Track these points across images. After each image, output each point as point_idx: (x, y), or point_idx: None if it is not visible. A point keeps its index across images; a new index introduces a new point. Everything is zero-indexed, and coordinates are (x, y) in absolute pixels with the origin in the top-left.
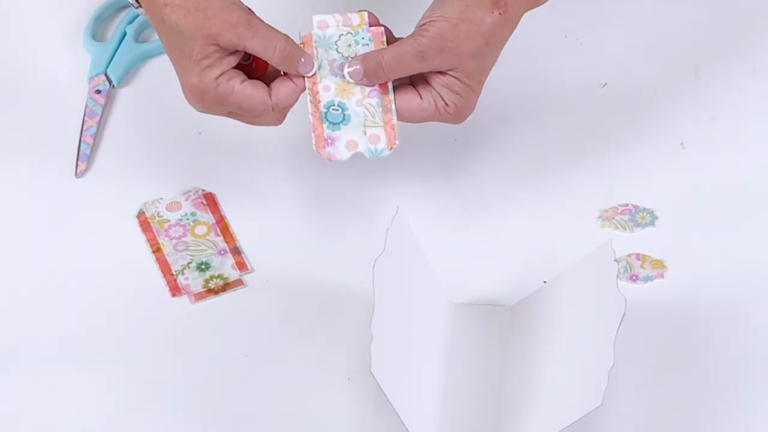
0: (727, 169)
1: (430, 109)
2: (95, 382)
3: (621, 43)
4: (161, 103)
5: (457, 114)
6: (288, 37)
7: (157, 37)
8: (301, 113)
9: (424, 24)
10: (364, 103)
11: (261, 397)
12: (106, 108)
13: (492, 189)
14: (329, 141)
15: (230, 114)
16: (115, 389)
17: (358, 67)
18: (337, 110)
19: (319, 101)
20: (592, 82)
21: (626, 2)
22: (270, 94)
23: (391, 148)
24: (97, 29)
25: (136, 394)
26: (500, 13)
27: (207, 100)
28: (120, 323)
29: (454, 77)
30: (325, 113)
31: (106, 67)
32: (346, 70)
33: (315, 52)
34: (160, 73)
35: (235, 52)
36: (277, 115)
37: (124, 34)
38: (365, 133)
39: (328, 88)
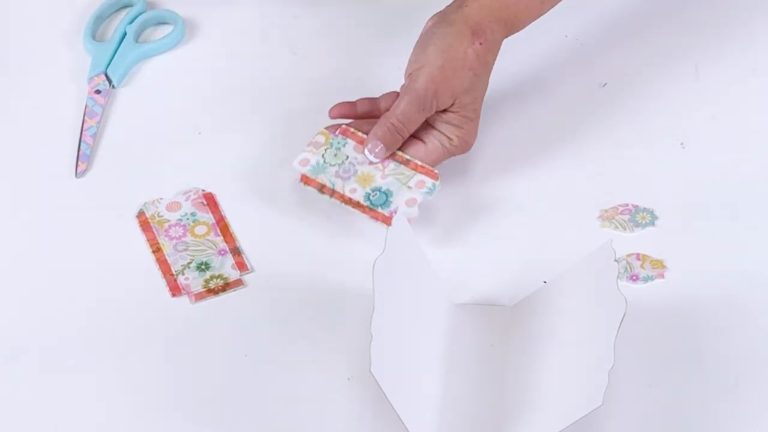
0: (727, 169)
1: (437, 150)
2: (95, 382)
3: (621, 43)
4: (161, 103)
5: (462, 145)
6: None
7: (157, 37)
8: (301, 113)
9: (411, 73)
10: (386, 173)
11: (261, 397)
12: (106, 108)
13: (492, 189)
14: (393, 214)
15: None
16: (115, 389)
17: (378, 144)
18: (375, 194)
19: (357, 201)
20: (592, 82)
21: (626, 2)
22: None
23: (438, 179)
24: (97, 29)
25: (136, 394)
26: (481, 44)
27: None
28: (120, 323)
29: (452, 113)
30: (371, 203)
31: (106, 67)
32: (368, 154)
33: (320, 181)
34: (160, 73)
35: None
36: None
37: (124, 34)
38: (410, 187)
39: (354, 190)
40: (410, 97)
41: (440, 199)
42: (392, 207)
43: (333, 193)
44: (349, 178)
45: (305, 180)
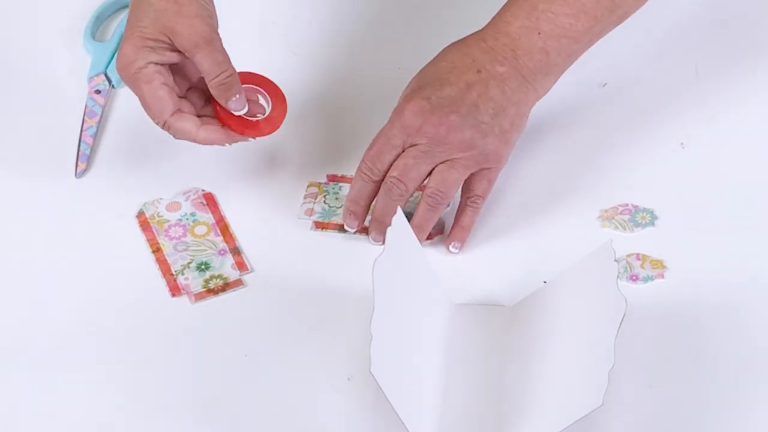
0: (727, 169)
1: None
2: (95, 382)
3: (621, 43)
4: None
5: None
6: (235, 71)
7: None
8: (301, 114)
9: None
10: None
11: (261, 397)
12: (106, 108)
13: (492, 189)
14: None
15: (138, 98)
16: (114, 389)
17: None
18: None
19: None
20: (592, 82)
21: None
22: (171, 114)
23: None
24: (97, 29)
25: (136, 393)
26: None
27: (128, 73)
28: (120, 323)
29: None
30: None
31: (106, 67)
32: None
33: (336, 222)
34: None
35: (179, 53)
36: (162, 128)
37: None
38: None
39: None
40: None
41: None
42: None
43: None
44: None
45: (320, 225)
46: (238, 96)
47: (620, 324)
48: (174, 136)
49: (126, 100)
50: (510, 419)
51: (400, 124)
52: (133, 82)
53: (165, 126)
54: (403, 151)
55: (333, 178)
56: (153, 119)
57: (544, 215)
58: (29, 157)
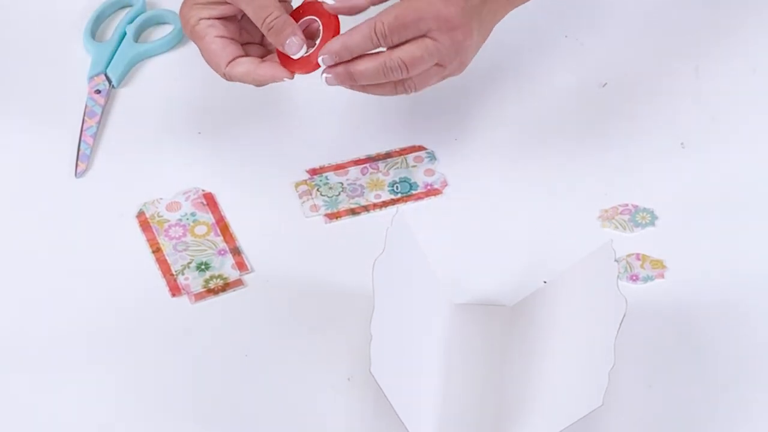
0: (727, 169)
1: (360, 28)
2: (95, 382)
3: (621, 43)
4: (161, 103)
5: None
6: (285, 14)
7: (157, 37)
8: (301, 113)
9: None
10: (387, 171)
11: (261, 397)
12: (106, 108)
13: (492, 189)
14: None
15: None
16: (114, 389)
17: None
18: (398, 186)
19: (392, 199)
20: (592, 82)
21: (626, 2)
22: (227, 64)
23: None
24: (97, 29)
25: (136, 394)
26: None
27: (187, 32)
28: (120, 323)
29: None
30: (402, 193)
31: (106, 67)
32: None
33: (345, 208)
34: (160, 73)
35: (230, 6)
36: (227, 80)
37: (124, 34)
38: (415, 166)
39: (378, 195)
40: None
41: (440, 198)
42: (420, 185)
43: (366, 208)
44: (362, 193)
45: (332, 216)
46: (294, 38)
47: (620, 324)
48: (242, 82)
49: (126, 100)
50: (510, 419)
51: (437, 13)
52: (192, 40)
53: (226, 78)
54: (422, 37)
55: (314, 172)
56: (216, 73)
57: (544, 215)
58: (29, 157)
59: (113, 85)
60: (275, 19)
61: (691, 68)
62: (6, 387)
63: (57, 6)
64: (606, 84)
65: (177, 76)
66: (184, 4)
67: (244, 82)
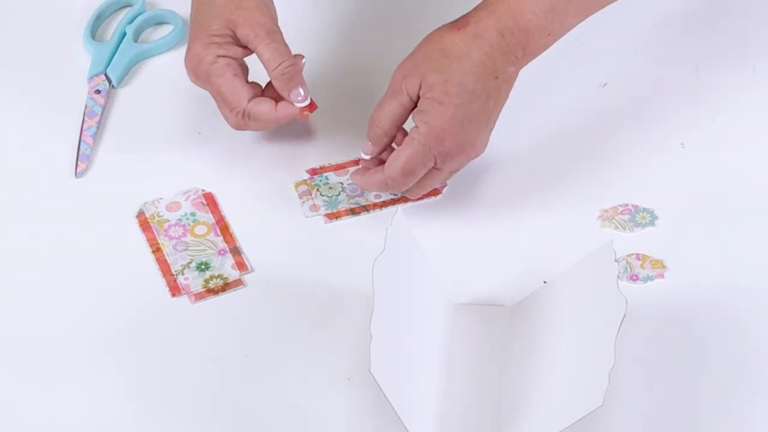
0: (727, 169)
1: (407, 143)
2: (95, 382)
3: (621, 43)
4: (161, 103)
5: (432, 135)
6: (296, 62)
7: (157, 36)
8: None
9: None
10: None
11: (261, 397)
12: (106, 108)
13: (492, 189)
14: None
15: (212, 94)
16: (114, 389)
17: (367, 157)
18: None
19: (392, 198)
20: (592, 82)
21: (626, 3)
22: (249, 100)
23: None
24: (97, 29)
25: (136, 394)
26: (459, 29)
27: (200, 70)
28: (120, 323)
29: (422, 98)
30: (403, 192)
31: (106, 67)
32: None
33: (345, 207)
34: (160, 73)
35: (244, 47)
36: (240, 120)
37: (124, 34)
38: None
39: (378, 195)
40: (393, 100)
41: (440, 198)
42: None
43: (366, 208)
44: (362, 193)
45: (332, 216)
46: (300, 90)
47: (620, 324)
48: (251, 126)
49: (126, 100)
50: (510, 419)
51: (435, 136)
52: (205, 78)
53: (244, 115)
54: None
55: (314, 172)
56: (231, 111)
57: (544, 215)
58: (29, 157)
59: (113, 85)
60: (289, 66)
61: (691, 68)
62: (6, 387)
63: (57, 6)
64: (606, 84)
65: (177, 76)
66: (194, 42)
67: (263, 119)
